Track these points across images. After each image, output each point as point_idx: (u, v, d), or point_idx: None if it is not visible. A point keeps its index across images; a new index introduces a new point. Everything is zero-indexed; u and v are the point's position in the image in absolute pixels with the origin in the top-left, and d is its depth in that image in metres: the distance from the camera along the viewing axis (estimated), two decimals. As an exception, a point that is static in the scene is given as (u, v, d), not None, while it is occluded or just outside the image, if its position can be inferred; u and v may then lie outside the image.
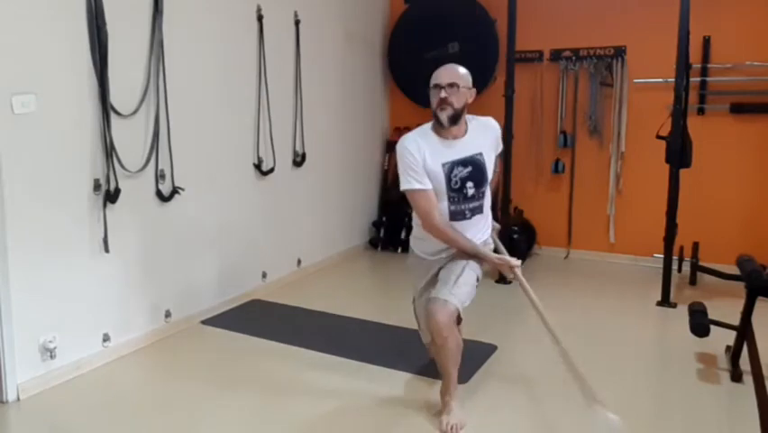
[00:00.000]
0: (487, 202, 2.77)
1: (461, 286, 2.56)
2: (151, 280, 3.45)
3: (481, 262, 2.71)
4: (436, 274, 2.74)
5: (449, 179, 2.61)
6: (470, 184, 2.63)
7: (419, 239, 2.82)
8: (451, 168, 2.61)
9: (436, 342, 2.55)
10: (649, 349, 3.52)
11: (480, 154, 2.67)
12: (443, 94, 2.57)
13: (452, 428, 2.53)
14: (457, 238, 2.63)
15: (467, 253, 2.66)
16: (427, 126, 2.68)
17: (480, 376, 3.05)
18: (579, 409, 2.75)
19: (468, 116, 2.71)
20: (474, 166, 2.64)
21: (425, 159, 2.58)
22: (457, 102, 2.58)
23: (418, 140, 2.62)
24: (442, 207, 2.64)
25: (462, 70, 2.67)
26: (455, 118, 2.60)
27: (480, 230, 2.76)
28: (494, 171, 2.82)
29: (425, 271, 2.82)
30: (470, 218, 2.68)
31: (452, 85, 2.58)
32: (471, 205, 2.67)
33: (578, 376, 2.49)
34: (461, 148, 2.64)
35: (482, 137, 2.71)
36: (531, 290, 2.64)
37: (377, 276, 5.10)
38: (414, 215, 2.77)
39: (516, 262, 2.67)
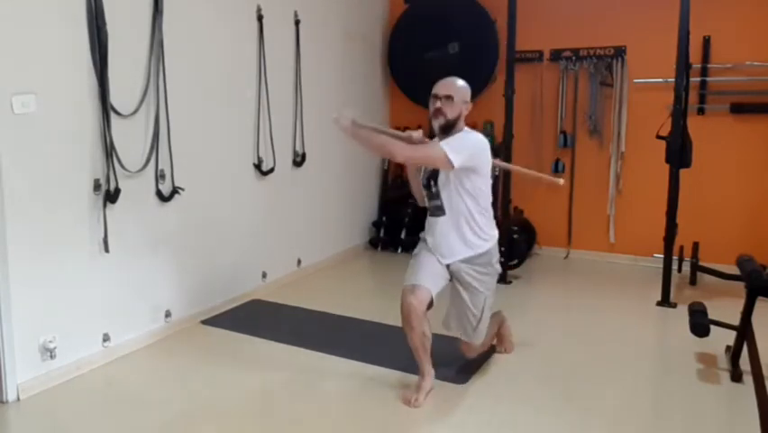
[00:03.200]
0: (447, 205, 2.80)
1: (481, 327, 2.91)
2: (151, 280, 3.45)
3: (490, 293, 2.92)
4: (449, 278, 2.88)
5: (422, 176, 2.88)
6: (432, 182, 2.83)
7: (428, 235, 2.94)
8: (422, 166, 2.87)
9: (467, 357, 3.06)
10: (649, 349, 3.52)
11: None
12: (438, 104, 2.76)
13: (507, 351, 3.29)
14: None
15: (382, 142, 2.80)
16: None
17: (479, 376, 3.05)
18: (578, 408, 2.76)
19: (466, 129, 2.83)
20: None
21: None
22: (450, 113, 2.76)
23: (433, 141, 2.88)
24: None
25: (461, 84, 2.82)
26: (447, 128, 2.78)
27: (454, 238, 2.82)
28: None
29: (434, 260, 2.87)
30: (438, 216, 2.84)
31: (447, 97, 2.75)
32: (434, 203, 2.85)
33: None
34: None
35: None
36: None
37: (377, 276, 5.09)
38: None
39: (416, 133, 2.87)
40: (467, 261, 2.84)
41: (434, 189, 2.83)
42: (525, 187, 5.28)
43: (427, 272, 2.82)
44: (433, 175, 2.83)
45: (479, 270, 2.85)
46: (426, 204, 2.92)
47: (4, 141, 2.67)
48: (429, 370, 2.85)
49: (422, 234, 3.01)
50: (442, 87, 2.78)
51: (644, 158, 4.85)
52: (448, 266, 2.86)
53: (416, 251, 2.99)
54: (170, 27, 3.39)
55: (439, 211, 2.84)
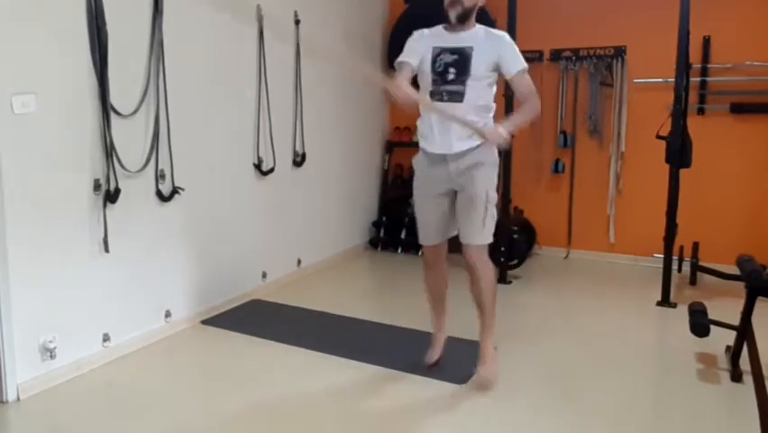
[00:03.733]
0: (471, 96, 2.79)
1: (488, 224, 2.86)
2: (151, 280, 3.45)
3: (492, 187, 2.88)
4: (452, 197, 2.90)
5: (434, 62, 2.82)
6: (452, 70, 2.80)
7: (423, 137, 2.93)
8: (439, 53, 2.83)
9: (474, 277, 2.89)
10: (649, 349, 3.52)
11: (471, 48, 2.82)
12: None
13: (481, 386, 2.91)
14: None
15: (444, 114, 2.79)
16: (443, 25, 2.91)
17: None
18: (578, 408, 2.76)
19: (481, 26, 2.89)
20: (461, 56, 2.82)
21: (422, 43, 2.86)
22: (467, 1, 2.80)
23: (425, 30, 2.92)
24: (424, 86, 2.86)
25: None
26: (463, 17, 2.82)
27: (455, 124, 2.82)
28: (516, 91, 2.86)
29: (435, 176, 2.88)
30: (446, 101, 2.80)
31: None
32: (450, 88, 2.80)
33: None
34: (456, 40, 2.84)
35: (482, 39, 2.85)
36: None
37: (377, 276, 5.09)
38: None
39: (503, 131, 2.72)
40: (470, 154, 2.80)
41: (462, 78, 2.79)
42: (525, 187, 5.28)
43: (433, 223, 2.93)
44: (459, 64, 2.78)
45: (478, 160, 2.81)
46: (432, 89, 2.82)
47: (4, 141, 2.67)
48: (442, 324, 3.07)
49: (417, 160, 2.97)
50: None
51: (644, 158, 4.85)
52: (449, 176, 2.83)
53: (415, 192, 2.98)
54: (170, 27, 3.38)
55: (456, 96, 2.79)
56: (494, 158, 2.89)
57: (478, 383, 2.90)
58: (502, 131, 2.69)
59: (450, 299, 3.12)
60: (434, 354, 3.08)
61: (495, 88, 2.88)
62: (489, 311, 2.94)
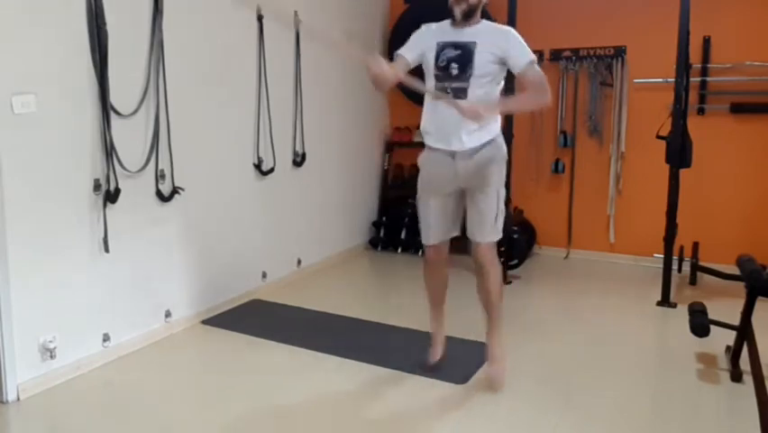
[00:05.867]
0: (475, 92, 2.76)
1: (499, 221, 2.88)
2: (151, 280, 3.45)
3: (502, 184, 2.89)
4: (459, 196, 2.90)
5: (437, 57, 2.81)
6: (454, 65, 2.78)
7: (429, 134, 2.91)
8: (442, 47, 2.81)
9: (483, 276, 2.92)
10: (649, 349, 3.52)
11: (474, 44, 2.78)
12: None
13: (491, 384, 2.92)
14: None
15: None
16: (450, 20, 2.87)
17: (480, 376, 3.04)
18: (578, 408, 2.76)
19: (487, 21, 2.86)
20: (464, 51, 2.78)
21: (427, 38, 2.86)
22: None
23: (433, 24, 2.92)
24: (429, 83, 2.85)
25: None
26: (468, 14, 2.78)
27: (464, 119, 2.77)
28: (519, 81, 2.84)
29: (442, 175, 2.86)
30: (458, 98, 2.77)
31: None
32: (454, 84, 2.78)
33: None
34: (460, 35, 2.81)
35: (486, 34, 2.81)
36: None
37: (377, 276, 5.09)
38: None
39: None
40: (480, 151, 2.79)
41: (467, 74, 2.75)
42: (525, 187, 5.28)
43: (437, 223, 2.91)
44: (462, 59, 2.75)
45: (488, 157, 2.80)
46: (445, 87, 2.78)
47: (4, 141, 2.67)
48: (441, 323, 3.06)
49: (422, 158, 2.95)
50: None
51: (644, 158, 4.85)
52: (457, 175, 2.81)
53: (420, 191, 2.97)
54: (170, 27, 3.39)
55: (461, 92, 2.76)
56: (503, 153, 2.88)
57: (488, 381, 2.95)
58: (481, 109, 2.66)
59: (450, 299, 3.12)
60: (436, 353, 3.10)
61: (502, 85, 2.85)
62: (497, 310, 2.96)
